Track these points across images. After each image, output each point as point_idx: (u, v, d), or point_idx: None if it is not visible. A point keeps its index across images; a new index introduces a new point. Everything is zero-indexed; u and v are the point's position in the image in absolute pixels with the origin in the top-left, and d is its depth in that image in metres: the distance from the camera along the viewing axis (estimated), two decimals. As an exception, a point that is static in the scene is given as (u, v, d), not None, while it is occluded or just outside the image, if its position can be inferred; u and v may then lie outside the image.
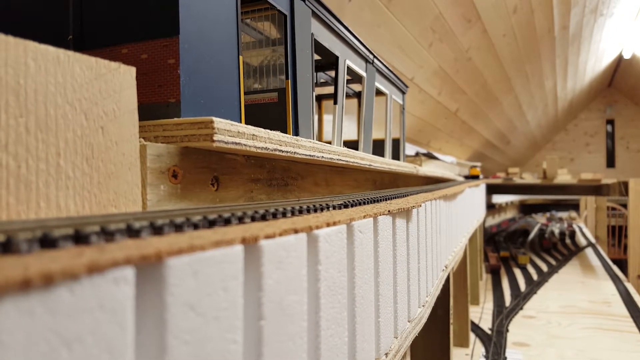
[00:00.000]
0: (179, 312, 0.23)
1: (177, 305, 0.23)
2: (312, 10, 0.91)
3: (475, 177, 3.16)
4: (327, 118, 1.64)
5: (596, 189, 3.46)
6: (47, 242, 0.23)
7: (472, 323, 2.14)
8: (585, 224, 5.90)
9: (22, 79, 0.35)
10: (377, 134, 1.44)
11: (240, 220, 0.36)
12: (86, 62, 0.40)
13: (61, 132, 0.37)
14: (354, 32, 1.12)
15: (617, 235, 5.27)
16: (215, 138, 0.51)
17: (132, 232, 0.27)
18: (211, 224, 0.33)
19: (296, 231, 0.33)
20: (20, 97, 0.35)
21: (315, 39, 0.94)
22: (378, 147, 1.52)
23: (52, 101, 0.37)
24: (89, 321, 0.19)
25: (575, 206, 7.41)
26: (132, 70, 0.44)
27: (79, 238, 0.24)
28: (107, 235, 0.26)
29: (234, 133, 0.54)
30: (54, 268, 0.17)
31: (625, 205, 5.11)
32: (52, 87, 0.37)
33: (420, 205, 0.66)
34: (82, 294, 0.18)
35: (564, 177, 3.51)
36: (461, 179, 2.77)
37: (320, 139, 1.61)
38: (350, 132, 1.84)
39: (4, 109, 0.34)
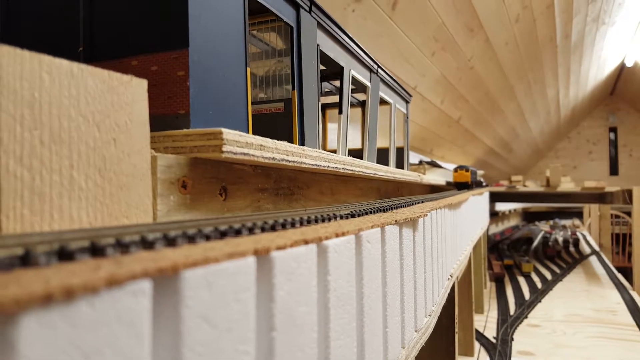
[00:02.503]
0: (193, 324, 0.23)
1: (192, 317, 0.23)
2: (318, 22, 0.92)
3: (465, 186, 2.04)
4: (332, 127, 1.65)
5: (600, 197, 3.45)
6: (64, 254, 0.23)
7: (477, 332, 2.13)
8: (589, 232, 5.87)
9: (37, 93, 0.36)
10: (381, 143, 1.45)
11: (251, 231, 0.36)
12: (99, 75, 0.40)
13: (74, 144, 0.38)
14: (358, 43, 1.13)
15: (621, 243, 5.24)
16: (224, 149, 0.51)
17: (146, 244, 0.27)
18: (222, 235, 0.33)
19: (306, 242, 0.33)
20: (35, 110, 0.35)
21: (320, 50, 0.95)
22: (382, 156, 1.53)
23: (65, 114, 0.37)
24: (108, 334, 0.19)
25: (578, 214, 7.38)
26: (143, 83, 0.45)
27: (96, 250, 0.25)
28: (123, 247, 0.26)
29: (242, 144, 0.55)
30: (74, 282, 0.18)
31: (629, 213, 5.08)
32: (65, 100, 0.38)
33: (427, 215, 0.66)
34: (102, 307, 0.19)
35: (567, 185, 3.50)
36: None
37: (324, 147, 1.61)
38: (354, 140, 1.85)
39: (19, 122, 0.34)
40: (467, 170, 2.04)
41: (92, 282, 0.18)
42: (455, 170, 2.09)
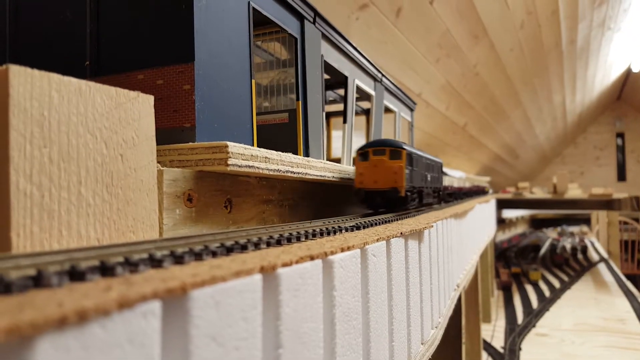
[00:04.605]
0: (202, 343, 0.23)
1: (200, 336, 0.23)
2: (322, 33, 0.93)
3: (390, 200, 0.81)
4: (335, 134, 1.65)
5: (607, 204, 3.43)
6: (75, 274, 0.24)
7: (484, 342, 2.11)
8: (597, 239, 5.82)
9: (46, 111, 0.36)
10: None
11: (257, 246, 0.36)
12: (106, 92, 0.41)
13: (82, 160, 0.38)
14: (362, 52, 1.14)
15: (630, 249, 5.18)
16: (229, 162, 0.52)
17: (154, 262, 0.28)
18: (229, 250, 0.34)
19: (312, 258, 0.34)
20: (45, 129, 0.36)
21: (324, 60, 0.96)
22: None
23: (74, 131, 0.38)
24: (119, 355, 0.19)
25: (586, 220, 7.32)
26: (150, 99, 0.45)
27: (105, 270, 0.25)
28: (131, 265, 0.26)
29: (247, 156, 0.55)
30: (87, 304, 0.18)
31: (637, 220, 5.04)
32: (74, 117, 0.38)
33: (432, 226, 0.66)
34: (113, 329, 0.19)
35: (574, 191, 3.48)
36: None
37: (328, 155, 1.62)
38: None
39: (29, 140, 0.35)
40: (395, 156, 0.83)
41: (103, 304, 0.19)
42: (363, 152, 0.85)
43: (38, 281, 0.22)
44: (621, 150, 8.18)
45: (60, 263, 0.25)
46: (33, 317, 0.16)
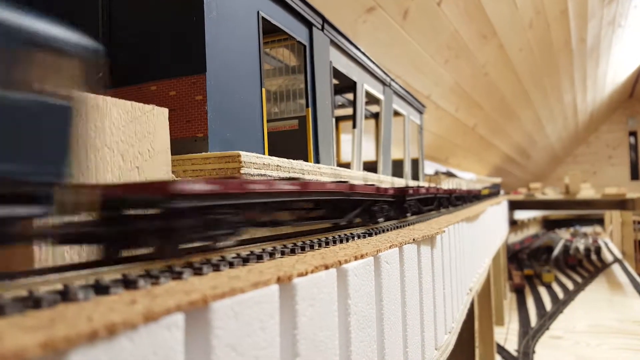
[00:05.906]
0: (222, 353, 0.24)
1: (221, 347, 0.24)
2: (331, 39, 0.94)
3: None
4: (344, 138, 1.66)
5: (621, 204, 3.39)
6: (100, 288, 0.25)
7: (498, 345, 2.10)
8: (610, 239, 5.74)
9: (67, 126, 0.37)
10: (395, 154, 1.45)
11: (272, 255, 0.37)
12: (122, 106, 0.42)
13: (100, 173, 0.39)
14: (370, 57, 1.14)
15: (645, 250, 5.10)
16: (242, 171, 0.53)
17: (174, 274, 0.29)
18: (245, 261, 0.34)
19: (326, 267, 0.34)
20: (66, 143, 0.37)
21: (333, 66, 0.96)
22: (397, 168, 1.53)
23: (92, 145, 0.39)
24: (145, 367, 0.20)
25: (599, 220, 7.22)
26: (165, 112, 0.46)
27: (128, 283, 0.26)
28: (153, 278, 0.27)
29: (259, 165, 0.56)
30: (115, 319, 0.19)
31: (652, 219, 4.96)
32: (92, 132, 0.39)
33: (444, 231, 0.67)
34: (140, 342, 0.20)
35: (587, 192, 3.45)
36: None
37: (338, 159, 1.62)
38: (368, 151, 1.85)
39: (51, 154, 0.36)
40: None
41: (131, 318, 0.19)
42: None
43: (66, 295, 0.23)
44: (634, 148, 8.06)
45: (85, 277, 0.26)
46: (66, 332, 0.17)
